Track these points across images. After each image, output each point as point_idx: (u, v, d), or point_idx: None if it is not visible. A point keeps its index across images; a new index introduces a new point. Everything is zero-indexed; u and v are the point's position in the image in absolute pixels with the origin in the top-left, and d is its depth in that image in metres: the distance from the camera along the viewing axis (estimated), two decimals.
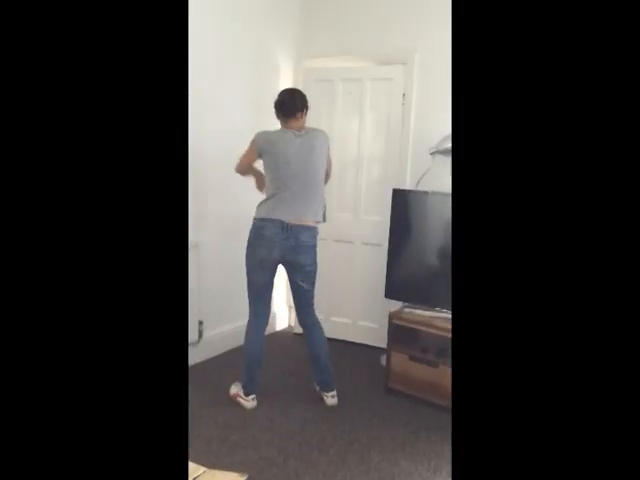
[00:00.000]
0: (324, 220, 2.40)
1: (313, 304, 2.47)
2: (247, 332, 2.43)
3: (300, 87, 3.23)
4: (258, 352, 2.41)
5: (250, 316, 2.43)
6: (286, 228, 2.24)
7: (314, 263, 2.39)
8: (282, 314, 3.56)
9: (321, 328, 2.46)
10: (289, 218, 2.24)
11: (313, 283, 2.43)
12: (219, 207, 2.90)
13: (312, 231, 2.32)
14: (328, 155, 2.39)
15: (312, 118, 3.23)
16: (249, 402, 2.40)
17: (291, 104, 2.30)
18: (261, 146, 2.30)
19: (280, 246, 2.26)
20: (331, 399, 2.45)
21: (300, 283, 2.38)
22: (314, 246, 2.35)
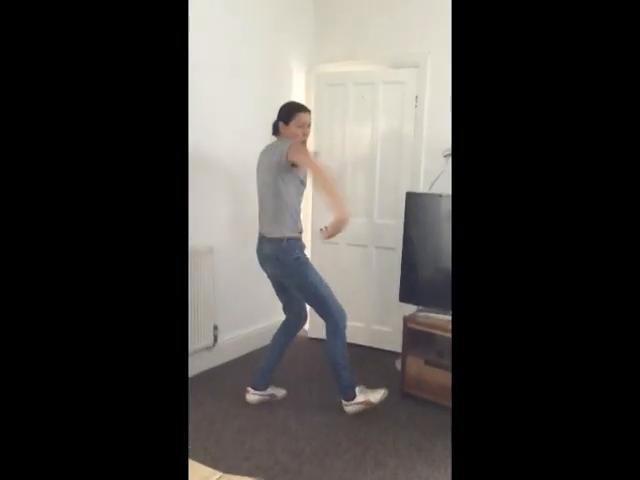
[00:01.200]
0: (293, 232, 2.26)
1: (323, 314, 2.37)
2: None
3: (312, 92, 3.26)
4: (270, 348, 2.53)
5: None
6: (259, 241, 2.36)
7: (291, 276, 2.29)
8: None
9: (333, 338, 2.36)
10: (261, 231, 2.36)
11: (304, 295, 2.37)
12: (234, 211, 2.92)
13: (275, 243, 2.25)
14: (299, 158, 2.16)
15: (324, 122, 3.27)
16: (247, 394, 2.47)
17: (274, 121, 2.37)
18: None
19: (258, 259, 2.38)
20: (346, 407, 2.41)
21: (294, 293, 2.42)
22: (282, 260, 2.24)
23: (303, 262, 2.28)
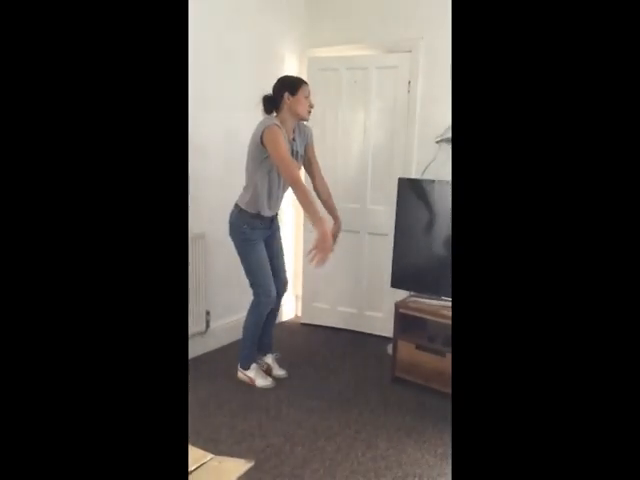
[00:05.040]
0: (247, 206, 2.36)
1: (251, 284, 2.49)
2: None
3: (304, 76, 3.22)
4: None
5: None
6: None
7: (234, 242, 2.43)
8: (288, 304, 3.56)
9: (249, 311, 2.52)
10: None
11: (242, 260, 2.46)
12: (225, 196, 2.89)
13: (233, 209, 2.41)
14: (268, 147, 2.21)
15: (316, 108, 3.23)
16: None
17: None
18: None
19: None
20: (238, 373, 2.58)
21: None
22: (230, 225, 2.41)
23: (245, 238, 2.38)
